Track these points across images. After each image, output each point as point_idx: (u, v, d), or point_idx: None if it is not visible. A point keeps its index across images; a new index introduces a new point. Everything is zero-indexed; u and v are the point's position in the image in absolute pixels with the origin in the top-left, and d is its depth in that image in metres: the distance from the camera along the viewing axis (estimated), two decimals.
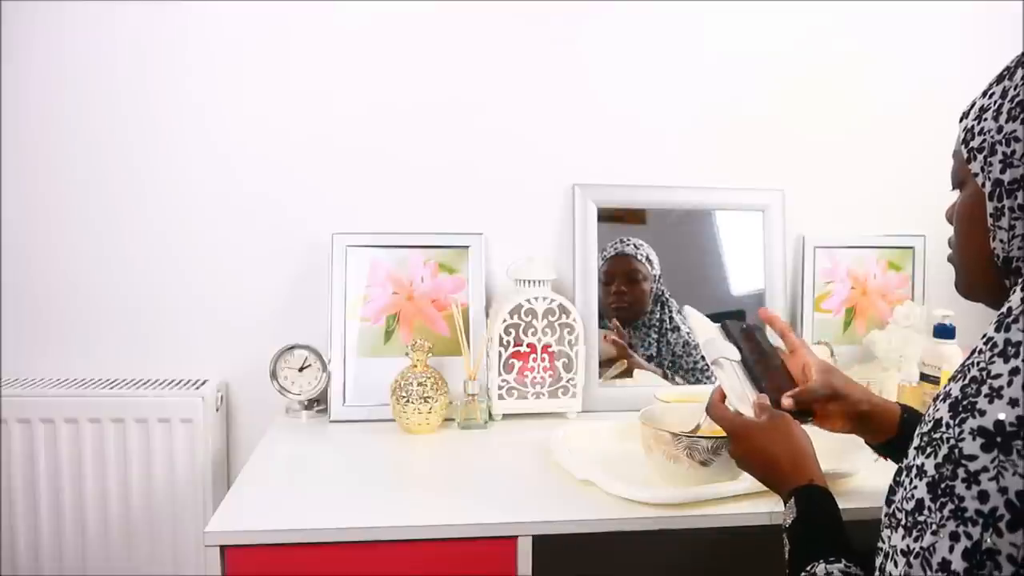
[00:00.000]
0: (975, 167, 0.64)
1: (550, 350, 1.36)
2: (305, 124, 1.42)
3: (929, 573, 0.52)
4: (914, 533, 0.53)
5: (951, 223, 0.70)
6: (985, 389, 0.53)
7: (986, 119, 0.63)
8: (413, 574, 0.93)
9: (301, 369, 1.38)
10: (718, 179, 1.52)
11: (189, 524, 1.35)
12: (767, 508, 0.96)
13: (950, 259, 0.72)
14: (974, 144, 0.64)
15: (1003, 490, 0.49)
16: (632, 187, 1.49)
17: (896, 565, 0.55)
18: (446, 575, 0.93)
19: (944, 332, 1.23)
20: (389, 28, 1.42)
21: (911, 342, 1.40)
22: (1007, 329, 0.56)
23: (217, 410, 1.40)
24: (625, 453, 1.13)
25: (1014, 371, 0.52)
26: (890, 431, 0.92)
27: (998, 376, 0.53)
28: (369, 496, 1.01)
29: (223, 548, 0.90)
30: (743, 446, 0.87)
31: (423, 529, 0.92)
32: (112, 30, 1.37)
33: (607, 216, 1.48)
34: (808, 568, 0.70)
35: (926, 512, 0.53)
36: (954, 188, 0.69)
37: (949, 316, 1.24)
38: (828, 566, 0.69)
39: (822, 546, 0.73)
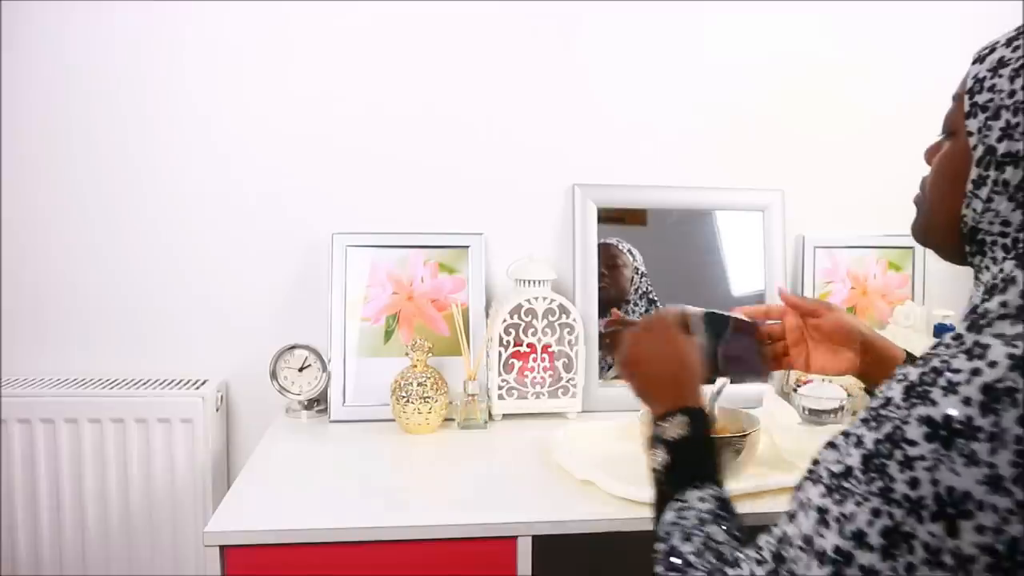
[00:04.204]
0: (972, 125, 0.59)
1: (550, 350, 1.36)
2: (305, 124, 1.42)
3: (842, 538, 0.53)
4: (835, 496, 0.54)
5: (929, 165, 0.67)
6: (942, 381, 0.52)
7: (1002, 75, 0.58)
8: (413, 574, 0.93)
9: (301, 369, 1.38)
10: (718, 179, 1.52)
11: (189, 524, 1.35)
12: (766, 508, 0.96)
13: (916, 200, 0.69)
14: (979, 99, 0.59)
15: (935, 482, 0.49)
16: (632, 187, 1.49)
17: (807, 516, 0.56)
18: (446, 575, 0.93)
19: (944, 332, 1.23)
20: (389, 28, 1.42)
21: (911, 342, 1.40)
22: (979, 331, 0.55)
23: (217, 410, 1.40)
24: (625, 453, 1.12)
25: (975, 371, 0.51)
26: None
27: (958, 371, 0.51)
28: (369, 496, 1.01)
29: (223, 548, 0.90)
30: (631, 350, 0.84)
31: (423, 529, 0.92)
32: (112, 30, 1.37)
33: (607, 216, 1.48)
34: (679, 496, 0.70)
35: (853, 481, 0.53)
36: (943, 133, 0.65)
37: (949, 316, 1.24)
38: (700, 492, 0.69)
39: (704, 470, 0.73)
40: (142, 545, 1.35)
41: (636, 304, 1.50)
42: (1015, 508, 0.48)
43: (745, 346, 0.92)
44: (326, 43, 1.41)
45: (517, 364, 1.36)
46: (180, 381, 1.40)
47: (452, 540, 0.92)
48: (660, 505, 0.73)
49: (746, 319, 0.94)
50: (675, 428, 0.76)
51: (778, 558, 0.58)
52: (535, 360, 1.36)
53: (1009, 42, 0.59)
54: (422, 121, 1.45)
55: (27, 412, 1.32)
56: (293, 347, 1.38)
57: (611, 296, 1.49)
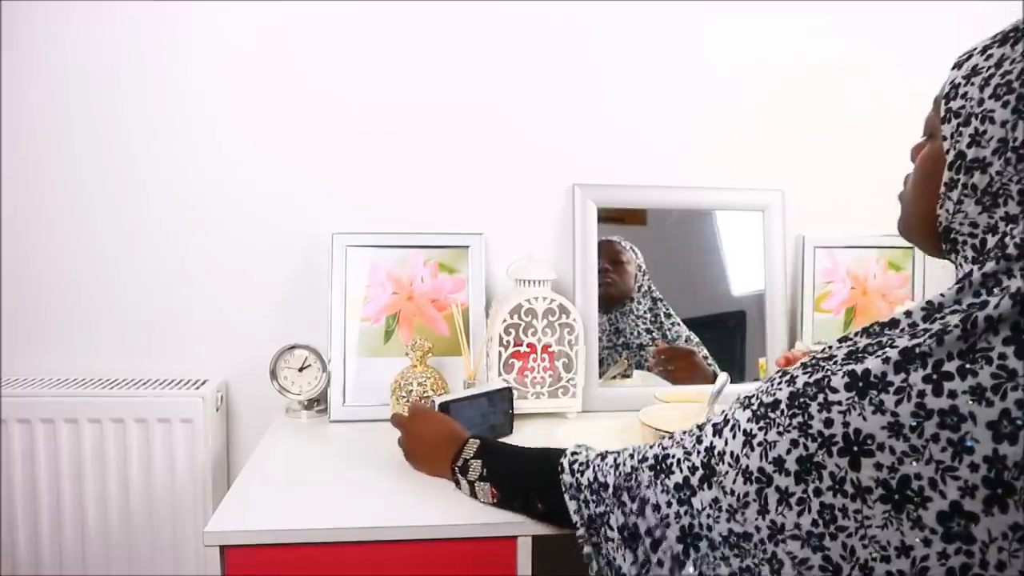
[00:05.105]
0: (947, 129, 0.62)
1: (550, 350, 1.36)
2: (306, 124, 1.43)
3: (764, 461, 0.60)
4: (761, 423, 0.61)
5: (913, 163, 0.70)
6: (881, 352, 0.57)
7: (974, 83, 0.60)
8: (413, 574, 0.93)
9: (301, 369, 1.38)
10: (718, 179, 1.52)
11: (189, 524, 1.35)
12: None
13: (900, 197, 0.74)
14: (953, 105, 0.61)
15: (846, 424, 0.56)
16: (632, 187, 1.49)
17: (735, 436, 0.64)
18: (446, 575, 0.93)
19: None
20: (390, 28, 1.42)
21: None
22: (931, 320, 0.58)
23: (217, 410, 1.40)
24: None
25: (910, 349, 0.56)
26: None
27: (893, 343, 0.57)
28: (369, 496, 1.01)
29: (223, 548, 0.89)
30: (405, 443, 1.09)
31: (423, 529, 0.92)
32: (113, 29, 1.37)
33: (607, 216, 1.48)
34: (567, 462, 0.84)
35: (778, 413, 0.60)
36: (924, 135, 0.68)
37: None
38: (570, 459, 0.85)
39: (528, 455, 0.93)
40: (142, 545, 1.36)
41: (639, 303, 1.50)
42: (909, 451, 0.54)
43: (479, 413, 1.21)
44: (327, 43, 1.41)
45: (517, 364, 1.36)
46: (180, 381, 1.40)
47: (452, 540, 0.92)
48: (543, 500, 0.87)
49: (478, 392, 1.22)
50: (471, 462, 0.95)
51: (708, 468, 0.66)
52: (535, 360, 1.36)
53: (984, 50, 0.61)
54: (422, 122, 1.45)
55: (27, 412, 1.32)
56: (293, 347, 1.38)
57: (615, 293, 1.49)
